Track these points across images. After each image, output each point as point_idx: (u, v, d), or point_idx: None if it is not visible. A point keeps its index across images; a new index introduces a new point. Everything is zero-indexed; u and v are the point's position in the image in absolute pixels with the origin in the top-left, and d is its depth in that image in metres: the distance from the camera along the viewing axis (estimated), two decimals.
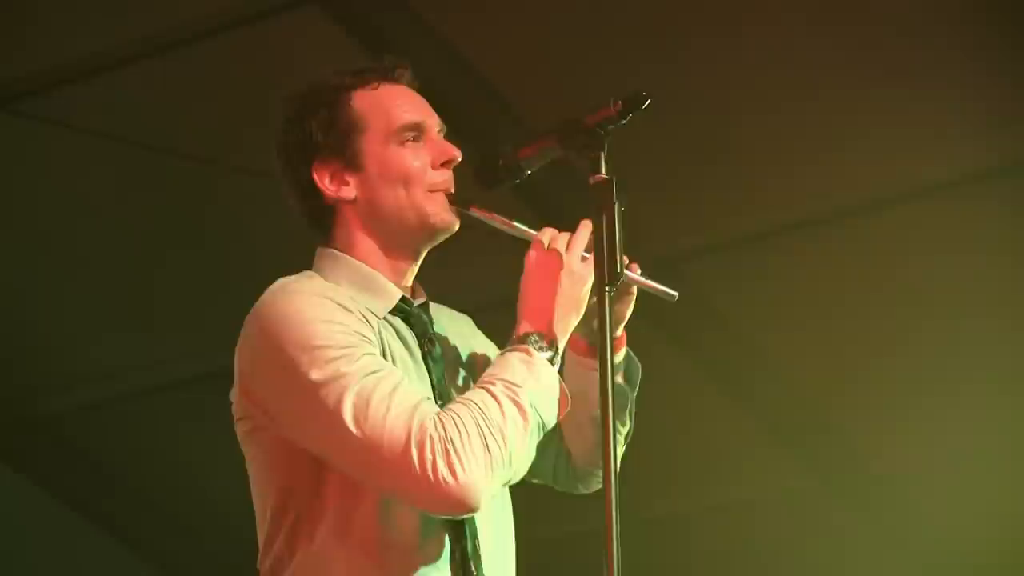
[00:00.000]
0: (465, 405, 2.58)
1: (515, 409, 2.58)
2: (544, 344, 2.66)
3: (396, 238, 2.80)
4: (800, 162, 5.63)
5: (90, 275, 6.24)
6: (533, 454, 2.64)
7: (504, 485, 2.62)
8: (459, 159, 2.82)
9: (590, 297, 2.70)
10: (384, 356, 2.67)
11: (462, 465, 2.52)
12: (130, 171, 5.78)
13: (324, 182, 2.79)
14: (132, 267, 6.19)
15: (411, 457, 2.51)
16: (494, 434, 2.55)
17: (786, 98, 5.45)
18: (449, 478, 2.51)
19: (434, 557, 2.64)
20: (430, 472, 2.51)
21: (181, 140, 5.60)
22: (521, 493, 2.82)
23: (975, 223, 5.81)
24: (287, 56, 5.14)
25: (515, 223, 2.80)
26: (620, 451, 2.90)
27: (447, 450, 2.52)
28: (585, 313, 2.72)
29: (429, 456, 2.51)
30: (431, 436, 2.52)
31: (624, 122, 2.65)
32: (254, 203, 5.54)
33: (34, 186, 5.94)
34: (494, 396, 2.59)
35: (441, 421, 2.54)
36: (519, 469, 2.62)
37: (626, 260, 2.73)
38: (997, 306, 6.08)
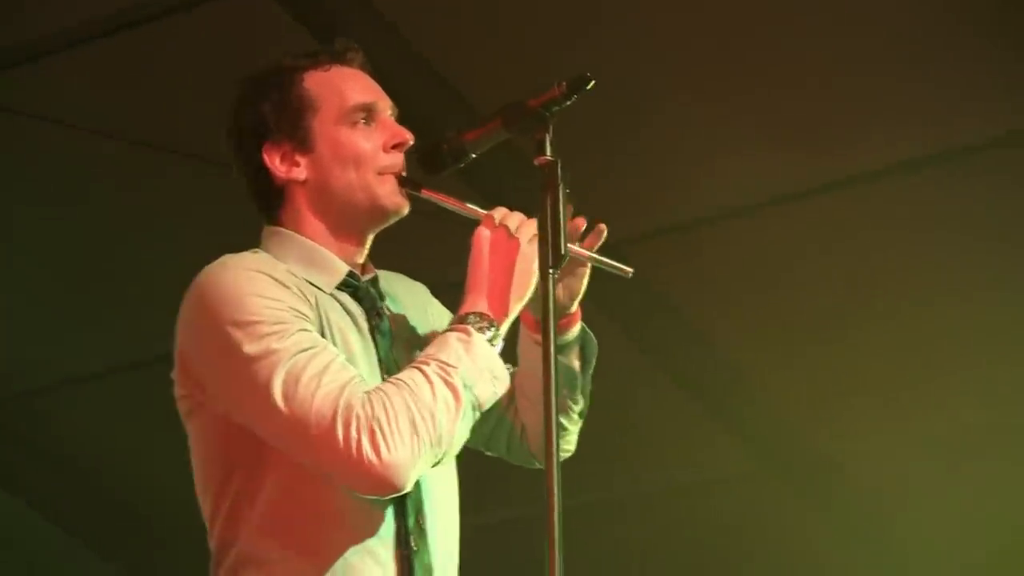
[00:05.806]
0: (395, 385, 2.58)
1: (446, 390, 2.58)
2: (485, 324, 2.66)
3: (345, 219, 2.80)
4: (747, 145, 5.62)
5: (31, 261, 6.20)
6: (467, 435, 2.64)
7: (433, 465, 2.61)
8: (411, 142, 2.82)
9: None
10: (323, 333, 2.67)
11: (387, 444, 2.51)
12: (71, 156, 5.74)
13: (275, 163, 2.79)
14: (75, 253, 6.15)
15: (336, 435, 2.51)
16: (423, 414, 2.55)
17: (734, 82, 5.44)
18: (373, 457, 2.51)
19: (376, 533, 2.63)
20: (354, 450, 2.51)
21: (124, 125, 5.56)
22: (463, 479, 2.81)
23: (935, 204, 5.76)
24: (234, 40, 5.12)
25: (467, 204, 2.80)
26: (576, 428, 2.93)
27: (372, 429, 2.52)
28: (540, 291, 2.69)
29: (354, 435, 2.51)
30: (357, 415, 2.52)
31: (568, 103, 2.65)
32: (196, 189, 5.53)
33: None
34: (426, 376, 2.58)
35: (370, 400, 2.54)
36: (449, 450, 2.61)
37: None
38: (953, 288, 6.06)
